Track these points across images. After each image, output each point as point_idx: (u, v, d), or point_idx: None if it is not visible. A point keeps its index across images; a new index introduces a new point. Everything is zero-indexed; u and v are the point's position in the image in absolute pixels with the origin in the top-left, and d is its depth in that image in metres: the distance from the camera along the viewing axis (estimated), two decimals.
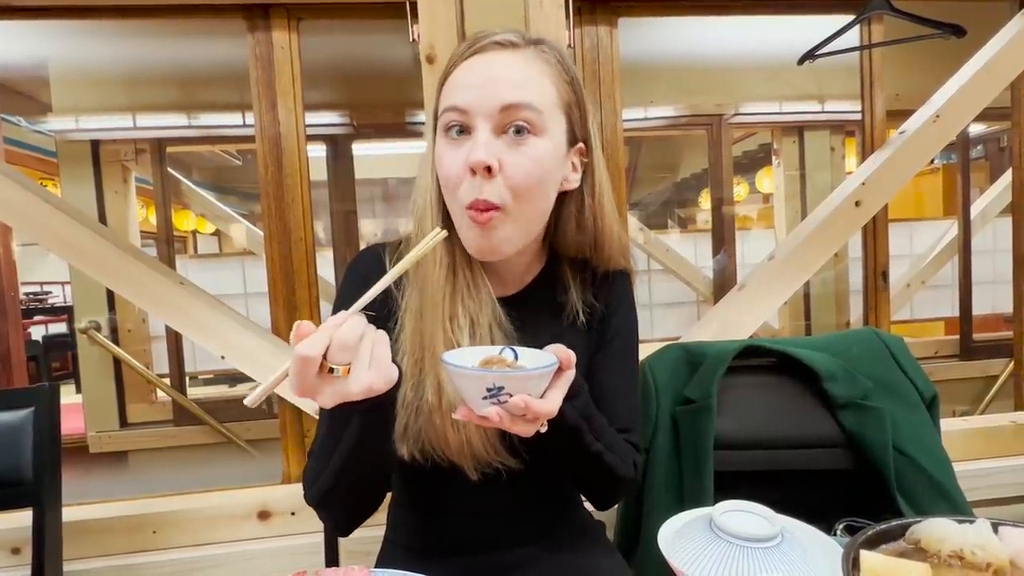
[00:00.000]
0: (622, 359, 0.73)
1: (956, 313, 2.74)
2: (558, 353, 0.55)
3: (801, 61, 1.51)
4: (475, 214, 0.58)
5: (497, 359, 0.56)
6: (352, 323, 0.48)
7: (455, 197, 0.60)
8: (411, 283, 0.66)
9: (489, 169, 0.57)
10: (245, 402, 0.49)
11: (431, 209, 0.64)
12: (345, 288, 0.71)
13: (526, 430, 0.54)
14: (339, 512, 0.65)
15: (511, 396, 0.50)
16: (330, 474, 0.59)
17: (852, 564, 0.38)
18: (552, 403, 0.53)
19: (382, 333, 0.51)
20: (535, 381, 0.52)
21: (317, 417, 0.70)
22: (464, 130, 0.59)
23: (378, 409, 0.54)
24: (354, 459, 0.58)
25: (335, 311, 0.64)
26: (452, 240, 0.63)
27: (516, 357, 0.57)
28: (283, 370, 0.48)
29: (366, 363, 0.48)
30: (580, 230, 0.67)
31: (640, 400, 0.98)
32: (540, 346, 0.59)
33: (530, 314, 0.67)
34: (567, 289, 0.70)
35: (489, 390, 0.50)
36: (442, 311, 0.62)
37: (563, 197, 0.66)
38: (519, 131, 0.58)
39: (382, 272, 0.54)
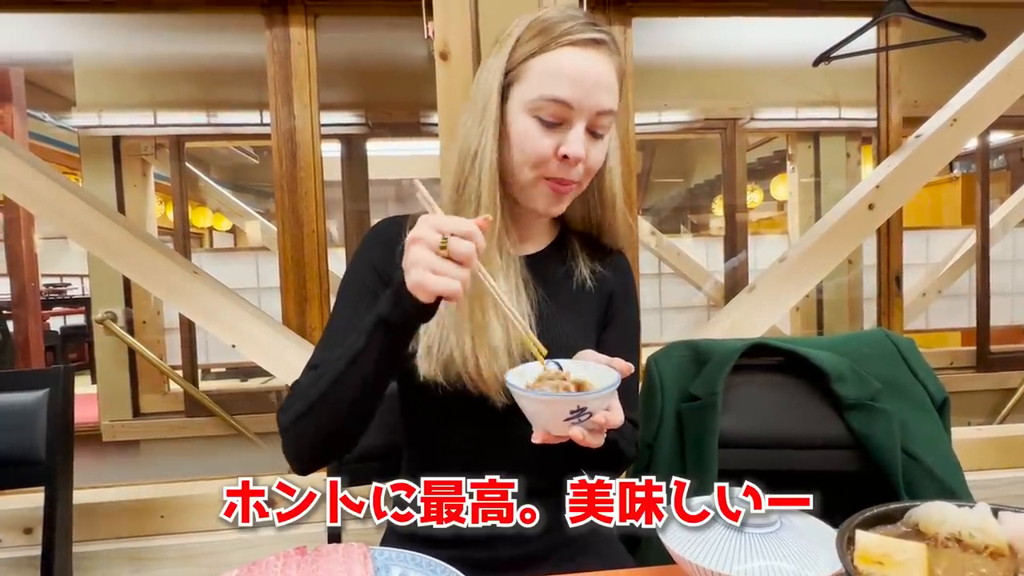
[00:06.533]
0: (627, 338, 0.80)
1: (973, 324, 2.69)
2: (615, 366, 0.59)
3: (817, 62, 1.50)
4: (558, 186, 0.70)
5: (550, 375, 0.58)
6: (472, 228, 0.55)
7: (536, 170, 0.69)
8: None
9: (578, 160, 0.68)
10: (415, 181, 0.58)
11: (490, 172, 0.69)
12: (363, 251, 0.76)
13: (599, 441, 0.57)
14: (313, 434, 0.67)
15: (591, 415, 0.54)
16: (327, 384, 0.62)
17: (847, 544, 0.37)
18: (620, 413, 0.58)
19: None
20: (609, 398, 0.56)
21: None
22: (560, 120, 0.67)
23: (407, 329, 0.60)
24: (361, 371, 0.60)
25: (348, 274, 0.75)
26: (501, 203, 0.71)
27: (560, 368, 0.59)
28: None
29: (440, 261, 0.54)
30: (590, 197, 0.77)
31: (644, 392, 0.98)
32: (559, 303, 0.71)
33: (546, 272, 0.76)
34: (576, 256, 0.79)
35: (573, 412, 0.54)
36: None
37: None
38: (601, 130, 0.69)
39: (399, 242, 0.60)
